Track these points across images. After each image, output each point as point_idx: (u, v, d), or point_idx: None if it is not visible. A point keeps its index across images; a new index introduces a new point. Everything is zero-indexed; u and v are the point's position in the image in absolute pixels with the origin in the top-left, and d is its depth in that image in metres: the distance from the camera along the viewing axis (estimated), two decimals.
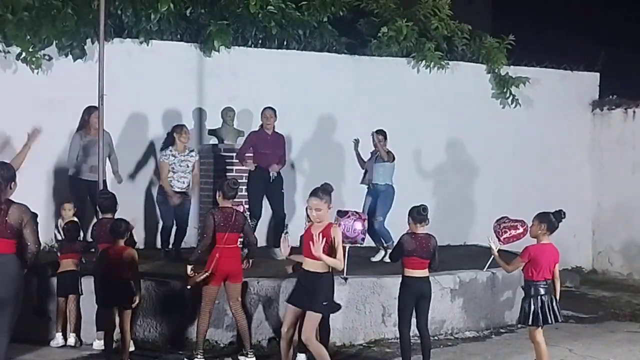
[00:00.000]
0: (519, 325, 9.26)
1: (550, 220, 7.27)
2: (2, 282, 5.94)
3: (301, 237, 6.89)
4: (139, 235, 9.87)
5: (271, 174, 10.15)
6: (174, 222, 9.93)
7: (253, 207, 10.15)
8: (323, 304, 6.73)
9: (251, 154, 10.21)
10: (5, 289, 5.96)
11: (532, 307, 7.20)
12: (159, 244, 10.58)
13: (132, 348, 7.65)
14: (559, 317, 7.32)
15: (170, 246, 9.95)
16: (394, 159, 10.38)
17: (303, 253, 6.80)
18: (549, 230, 7.29)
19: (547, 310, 7.20)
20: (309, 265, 6.73)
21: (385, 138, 10.42)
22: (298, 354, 7.64)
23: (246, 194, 10.26)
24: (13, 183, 6.09)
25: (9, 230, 5.97)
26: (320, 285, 6.72)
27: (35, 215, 7.52)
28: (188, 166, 9.85)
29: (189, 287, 7.56)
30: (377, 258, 10.14)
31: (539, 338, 7.30)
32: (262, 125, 10.28)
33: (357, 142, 10.70)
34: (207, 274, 7.45)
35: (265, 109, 10.26)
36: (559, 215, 7.30)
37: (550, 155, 13.04)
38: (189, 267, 7.54)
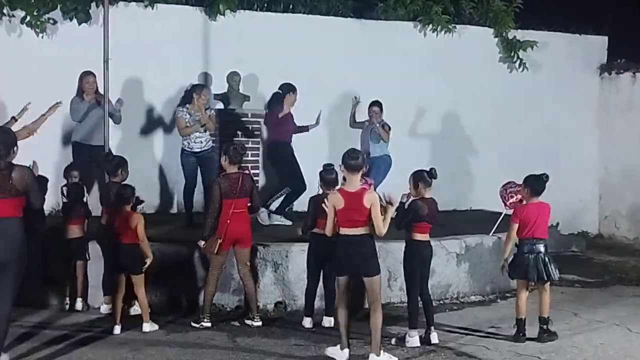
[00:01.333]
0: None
1: (531, 183, 7.54)
2: (4, 246, 5.96)
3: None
4: (153, 199, 9.89)
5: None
6: (196, 182, 9.89)
7: (296, 180, 10.08)
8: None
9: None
10: (7, 252, 5.98)
11: (519, 262, 7.50)
12: (174, 209, 10.63)
13: (138, 311, 7.70)
14: (550, 276, 7.43)
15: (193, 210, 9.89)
16: (389, 129, 10.52)
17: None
18: (532, 193, 7.53)
19: (533, 267, 7.39)
20: None
21: (382, 110, 10.50)
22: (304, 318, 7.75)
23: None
24: (15, 148, 6.12)
25: (14, 193, 5.99)
26: None
27: (45, 180, 7.56)
28: (202, 125, 9.79)
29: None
30: None
31: (521, 292, 7.55)
32: (284, 104, 10.16)
33: (356, 100, 10.79)
34: (219, 240, 7.48)
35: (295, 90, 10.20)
36: (540, 178, 7.51)
37: (557, 120, 12.98)
38: (202, 243, 7.59)
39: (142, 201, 7.82)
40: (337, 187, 6.98)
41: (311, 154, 10.24)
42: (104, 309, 7.97)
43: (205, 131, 9.81)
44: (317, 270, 7.70)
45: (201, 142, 9.78)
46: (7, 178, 5.98)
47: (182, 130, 9.74)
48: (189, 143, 9.75)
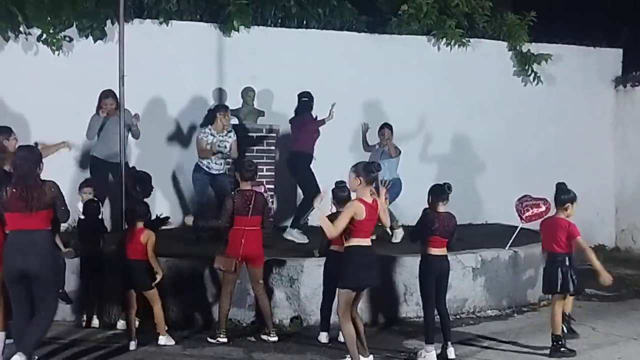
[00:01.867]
0: (542, 304, 9.30)
1: (555, 194, 7.64)
2: (35, 259, 6.21)
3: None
4: (175, 216, 9.89)
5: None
6: (206, 199, 9.89)
7: (315, 191, 10.05)
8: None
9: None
10: (38, 264, 6.22)
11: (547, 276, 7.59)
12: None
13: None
14: (570, 288, 7.48)
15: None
16: (399, 153, 10.38)
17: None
18: (557, 204, 7.64)
19: (556, 280, 7.46)
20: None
21: (392, 132, 10.39)
22: (320, 333, 7.72)
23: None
24: (41, 164, 6.44)
25: (42, 205, 6.26)
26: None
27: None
28: (226, 147, 9.80)
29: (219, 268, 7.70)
30: (397, 239, 10.03)
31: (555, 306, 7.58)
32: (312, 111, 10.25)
33: (366, 126, 10.76)
34: (236, 260, 7.51)
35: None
36: (560, 188, 7.62)
37: (572, 133, 12.92)
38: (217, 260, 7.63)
39: (168, 218, 7.85)
40: (354, 198, 6.92)
41: (321, 167, 10.23)
42: (121, 325, 7.98)
43: (228, 152, 9.82)
44: (333, 285, 7.67)
45: (220, 164, 9.81)
46: (37, 192, 6.24)
47: (201, 152, 9.73)
48: (208, 162, 9.76)
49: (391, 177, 10.23)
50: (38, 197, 6.24)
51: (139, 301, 7.57)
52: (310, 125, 10.17)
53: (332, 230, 6.66)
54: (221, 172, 9.84)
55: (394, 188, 10.24)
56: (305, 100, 10.28)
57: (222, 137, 9.73)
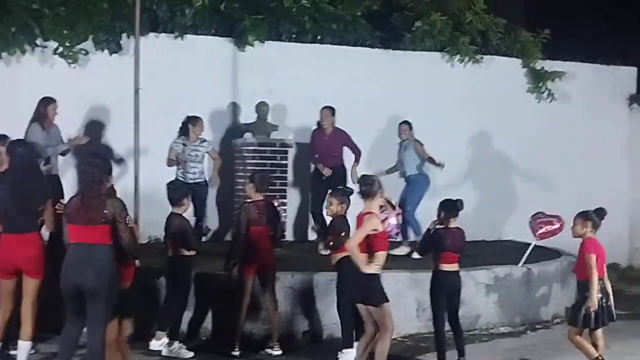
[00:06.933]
0: (555, 321, 9.25)
1: (593, 218, 7.27)
2: (94, 274, 5.91)
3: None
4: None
5: (324, 173, 10.28)
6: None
7: (314, 208, 10.27)
8: None
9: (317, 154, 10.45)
10: (97, 280, 5.90)
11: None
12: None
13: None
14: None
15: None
16: (421, 145, 10.39)
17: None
18: (594, 228, 7.28)
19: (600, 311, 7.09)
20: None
21: (411, 128, 10.41)
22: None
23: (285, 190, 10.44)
24: (110, 177, 6.18)
25: (104, 220, 5.94)
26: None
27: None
28: (197, 156, 9.83)
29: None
30: (401, 252, 9.90)
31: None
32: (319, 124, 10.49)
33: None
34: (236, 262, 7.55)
35: (322, 108, 10.48)
36: (601, 213, 7.29)
37: (586, 151, 12.89)
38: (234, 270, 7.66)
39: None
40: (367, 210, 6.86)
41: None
42: (154, 345, 7.64)
43: (200, 162, 9.85)
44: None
45: (194, 173, 9.80)
46: (97, 205, 5.95)
47: (168, 161, 9.82)
48: (182, 172, 9.75)
49: (416, 172, 10.21)
50: (97, 209, 5.91)
51: None
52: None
53: (349, 247, 6.67)
54: (197, 180, 9.81)
55: (417, 186, 10.23)
56: None
57: (195, 146, 9.80)
